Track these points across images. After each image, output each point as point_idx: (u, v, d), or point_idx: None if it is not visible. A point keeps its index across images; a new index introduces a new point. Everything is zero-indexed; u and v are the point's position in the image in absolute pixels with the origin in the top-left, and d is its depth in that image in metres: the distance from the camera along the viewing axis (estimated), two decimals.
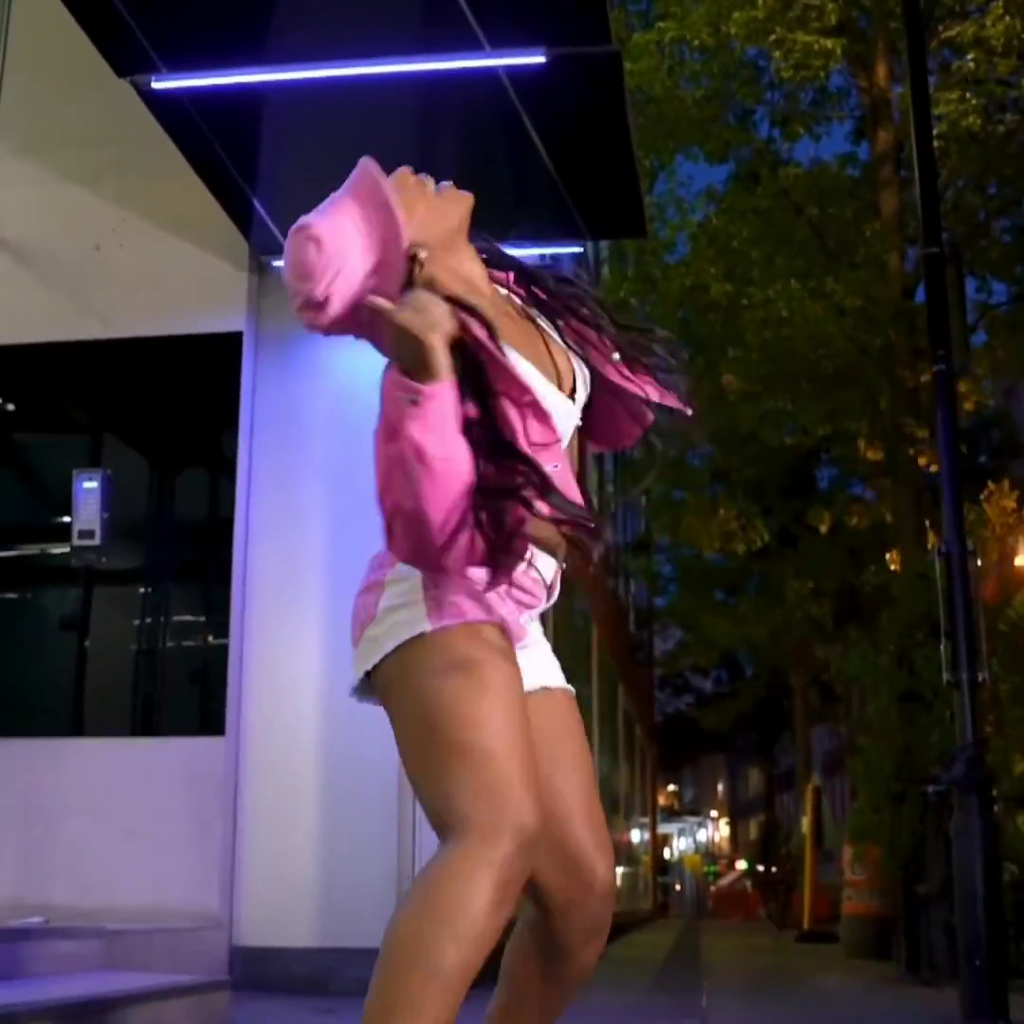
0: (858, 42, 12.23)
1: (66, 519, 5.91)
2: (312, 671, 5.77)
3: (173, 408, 6.53)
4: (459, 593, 1.86)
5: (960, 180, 11.75)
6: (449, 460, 1.71)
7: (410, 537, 1.76)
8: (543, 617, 2.11)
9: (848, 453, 14.97)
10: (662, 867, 35.94)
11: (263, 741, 5.81)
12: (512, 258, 2.09)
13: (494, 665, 1.84)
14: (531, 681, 1.96)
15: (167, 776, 5.79)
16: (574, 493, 1.88)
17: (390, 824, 5.60)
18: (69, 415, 6.81)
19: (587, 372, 2.04)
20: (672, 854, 49.28)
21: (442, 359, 1.72)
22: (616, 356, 2.05)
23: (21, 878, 5.62)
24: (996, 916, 5.25)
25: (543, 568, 1.94)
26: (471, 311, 1.81)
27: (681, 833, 55.14)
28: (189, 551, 6.62)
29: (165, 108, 5.36)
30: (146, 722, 6.23)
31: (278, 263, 6.25)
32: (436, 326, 1.73)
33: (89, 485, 5.89)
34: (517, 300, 2.04)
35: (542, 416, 1.82)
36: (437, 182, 1.90)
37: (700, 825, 57.84)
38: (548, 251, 6.46)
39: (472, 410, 1.78)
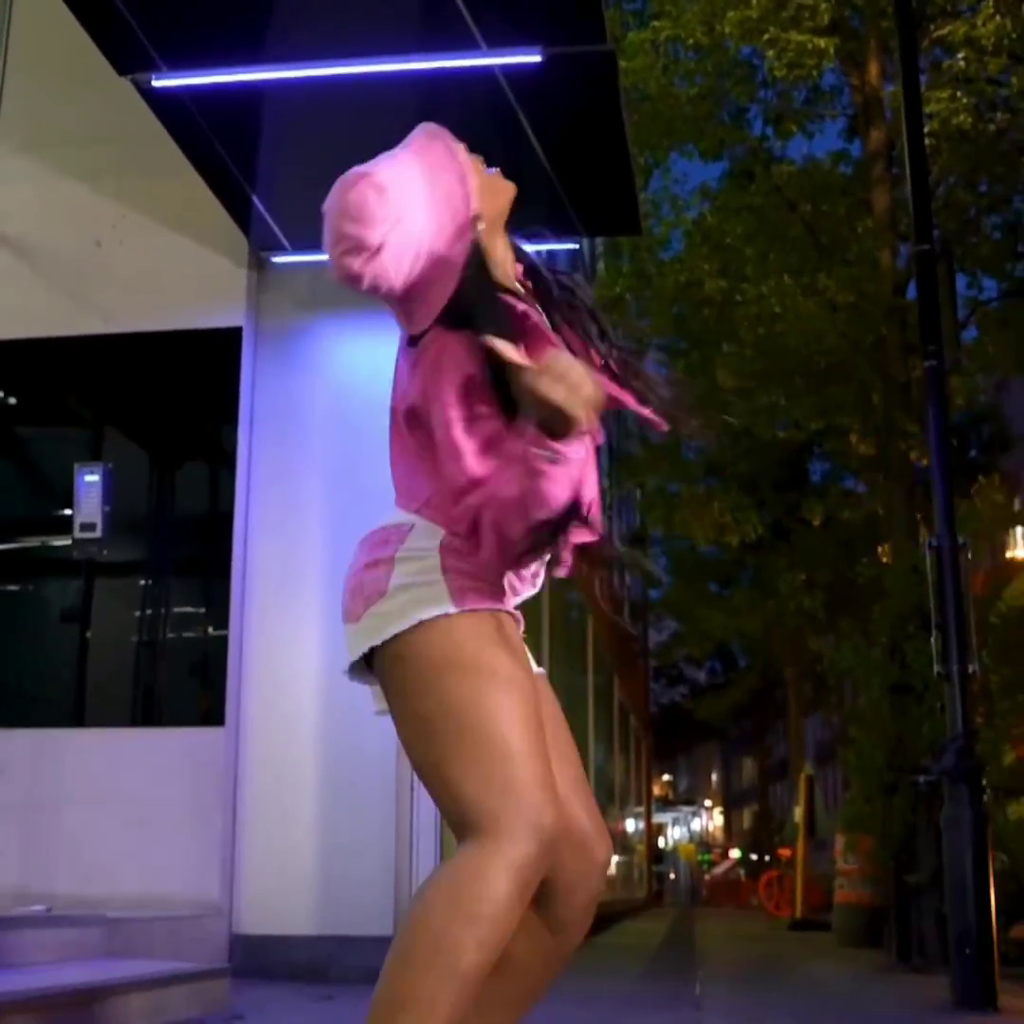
0: (851, 41, 12.24)
1: (68, 512, 5.94)
2: (311, 663, 5.81)
3: (174, 403, 6.57)
4: (479, 578, 1.86)
5: (951, 177, 11.79)
6: (565, 500, 1.77)
7: (499, 545, 1.79)
8: (538, 609, 2.16)
9: (841, 447, 15.00)
10: (657, 856, 35.96)
11: (263, 732, 5.86)
12: (526, 253, 2.12)
13: (515, 658, 1.85)
14: None
15: (168, 766, 5.83)
16: (592, 481, 1.93)
17: (388, 814, 5.65)
18: (71, 410, 6.84)
19: None
20: (667, 843, 49.42)
21: (585, 425, 1.70)
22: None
23: (24, 867, 5.67)
24: (985, 905, 5.31)
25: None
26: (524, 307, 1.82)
27: (676, 822, 55.31)
28: (189, 544, 6.66)
29: (166, 106, 5.40)
30: (147, 713, 6.29)
31: (278, 259, 6.31)
32: (584, 399, 1.69)
33: (90, 479, 5.92)
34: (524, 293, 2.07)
35: None
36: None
37: (694, 814, 58.02)
38: (544, 247, 6.51)
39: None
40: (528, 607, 2.11)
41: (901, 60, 6.79)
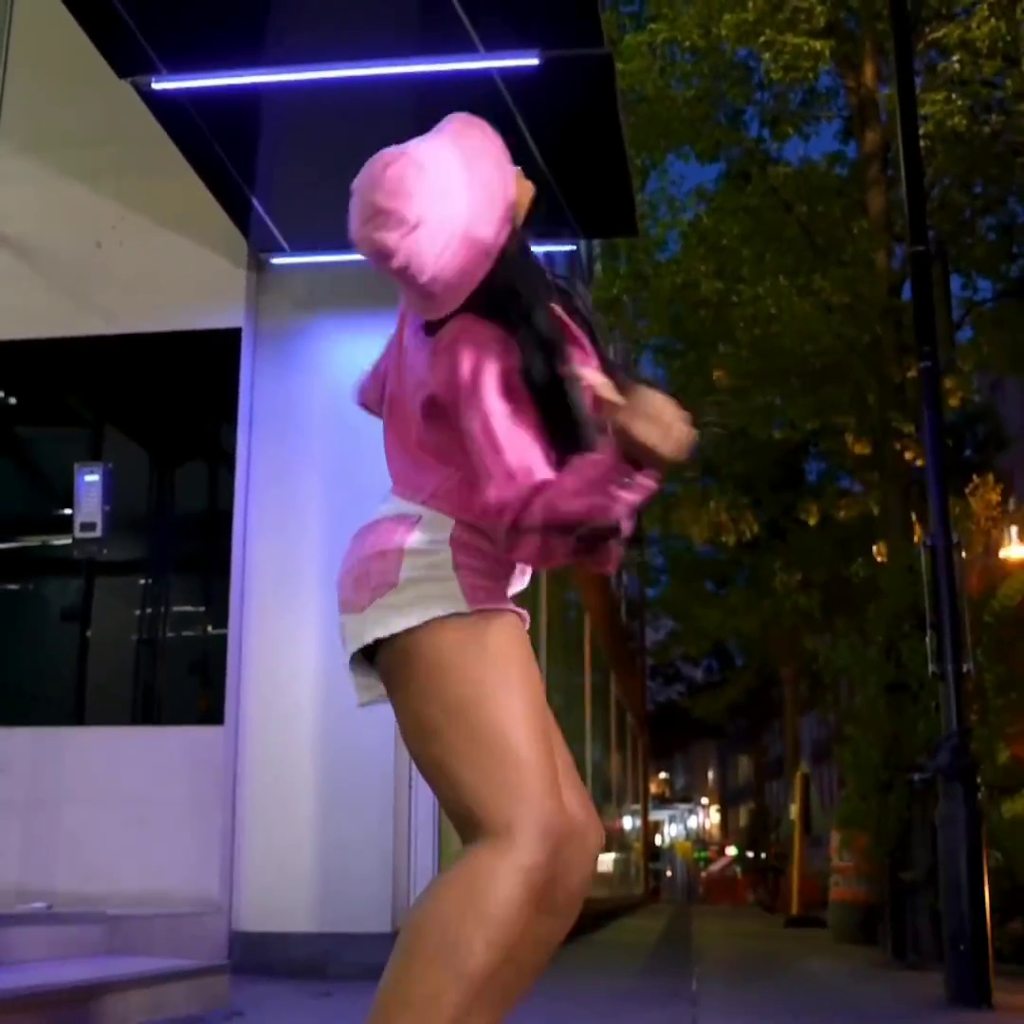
0: (846, 44, 12.28)
1: (68, 511, 5.94)
2: (310, 662, 5.83)
3: (173, 403, 6.59)
4: (489, 576, 1.86)
5: (946, 179, 11.82)
6: (620, 520, 1.80)
7: (541, 549, 1.78)
8: (535, 607, 2.19)
9: (836, 447, 15.04)
10: (653, 853, 36.02)
11: (262, 730, 5.88)
12: (534, 254, 2.10)
13: (526, 659, 1.86)
14: None
15: (167, 764, 5.85)
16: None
17: (387, 811, 5.68)
18: (71, 410, 6.86)
19: None
20: (663, 840, 49.45)
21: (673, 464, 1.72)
22: None
23: (24, 865, 5.69)
24: (980, 902, 5.33)
25: None
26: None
27: (672, 820, 55.36)
28: (189, 543, 6.68)
29: (165, 108, 5.41)
30: (146, 711, 6.31)
31: (277, 260, 6.33)
32: (676, 442, 1.70)
33: (90, 478, 5.92)
34: None
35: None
36: None
37: (691, 812, 58.08)
38: (541, 249, 6.54)
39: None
40: (525, 605, 2.12)
41: (896, 62, 6.81)
